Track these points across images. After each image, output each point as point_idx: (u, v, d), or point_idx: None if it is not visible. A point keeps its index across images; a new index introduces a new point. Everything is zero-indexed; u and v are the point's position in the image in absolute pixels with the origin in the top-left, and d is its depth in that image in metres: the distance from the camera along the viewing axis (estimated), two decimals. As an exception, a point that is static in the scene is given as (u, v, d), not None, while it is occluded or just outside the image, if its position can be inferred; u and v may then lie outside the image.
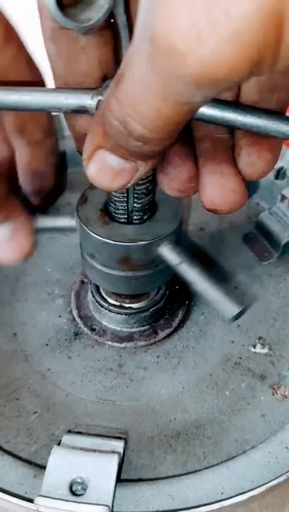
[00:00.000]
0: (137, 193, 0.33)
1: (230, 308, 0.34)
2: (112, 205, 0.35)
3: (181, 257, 0.36)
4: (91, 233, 0.36)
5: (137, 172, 0.26)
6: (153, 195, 0.35)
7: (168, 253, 0.36)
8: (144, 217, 0.36)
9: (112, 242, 0.35)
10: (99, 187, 0.27)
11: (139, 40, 0.19)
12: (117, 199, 0.34)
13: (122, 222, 0.36)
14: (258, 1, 0.15)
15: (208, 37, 0.16)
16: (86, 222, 0.36)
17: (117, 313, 0.45)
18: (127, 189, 0.33)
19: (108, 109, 0.22)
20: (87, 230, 0.36)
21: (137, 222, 0.36)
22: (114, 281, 0.39)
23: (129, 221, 0.36)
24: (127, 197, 0.34)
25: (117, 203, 0.34)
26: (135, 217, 0.36)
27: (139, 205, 0.35)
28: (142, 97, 0.20)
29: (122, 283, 0.39)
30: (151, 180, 0.33)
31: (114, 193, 0.34)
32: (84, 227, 0.36)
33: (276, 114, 0.25)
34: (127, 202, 0.34)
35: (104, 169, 0.25)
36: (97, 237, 0.36)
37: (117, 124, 0.22)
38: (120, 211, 0.35)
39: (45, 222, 0.38)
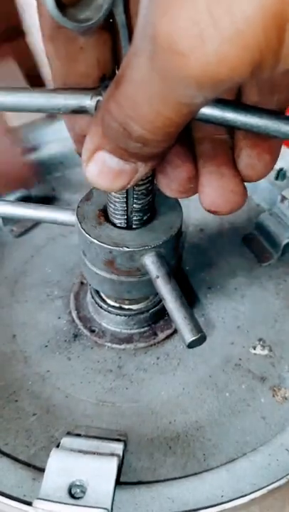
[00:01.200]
0: (136, 194, 0.33)
1: (187, 335, 0.33)
2: (111, 205, 0.35)
3: (160, 271, 0.35)
4: (82, 231, 0.36)
5: (137, 173, 0.25)
6: (153, 197, 0.35)
7: (149, 264, 0.36)
8: (142, 221, 0.36)
9: (98, 242, 0.36)
10: (98, 188, 0.27)
11: (139, 41, 0.19)
12: (116, 200, 0.34)
13: (117, 226, 0.36)
14: (260, 2, 0.15)
15: (210, 37, 0.16)
16: (82, 219, 0.37)
17: (117, 315, 0.45)
18: (127, 190, 0.33)
19: (108, 110, 0.22)
20: (80, 227, 0.37)
21: (135, 226, 0.36)
22: (100, 281, 0.39)
23: (129, 223, 0.36)
24: (127, 198, 0.34)
25: (116, 204, 0.34)
26: (135, 219, 0.36)
27: (139, 206, 0.34)
28: (142, 98, 0.20)
29: (108, 285, 0.39)
30: (151, 181, 0.33)
31: (114, 194, 0.34)
32: (78, 223, 0.37)
33: (276, 113, 0.25)
34: (127, 203, 0.34)
35: (104, 170, 0.25)
36: (86, 235, 0.36)
37: (116, 125, 0.22)
38: (120, 212, 0.35)
39: (47, 214, 0.39)
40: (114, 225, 0.37)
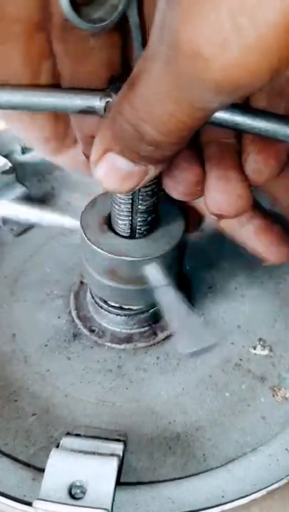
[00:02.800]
0: (142, 195, 0.33)
1: (184, 346, 0.34)
2: (116, 207, 0.35)
3: (160, 282, 0.36)
4: (85, 238, 0.37)
5: (147, 175, 0.25)
6: (157, 198, 0.35)
7: (150, 273, 0.36)
8: (146, 223, 0.36)
9: (101, 251, 0.36)
10: (107, 190, 0.27)
11: (156, 45, 0.19)
12: (122, 201, 0.34)
13: (120, 235, 0.37)
14: (282, 9, 0.16)
15: (232, 43, 0.16)
16: (85, 226, 0.37)
17: (117, 315, 0.44)
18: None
19: (120, 112, 0.22)
20: (83, 234, 0.37)
21: (138, 230, 0.36)
22: (101, 287, 0.40)
23: (132, 226, 0.36)
24: (132, 198, 0.33)
25: (122, 205, 0.34)
26: (139, 220, 0.35)
27: (144, 207, 0.34)
28: (157, 100, 0.20)
29: (109, 291, 0.40)
30: (156, 182, 0.33)
31: (119, 195, 0.34)
32: (81, 230, 0.37)
33: (285, 118, 0.25)
34: (132, 204, 0.34)
35: (113, 172, 0.25)
36: (89, 243, 0.36)
37: (128, 127, 0.22)
38: (124, 213, 0.35)
39: (52, 220, 0.39)
40: (117, 233, 0.37)
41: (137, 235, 0.37)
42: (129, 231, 0.36)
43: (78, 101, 0.26)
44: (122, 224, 0.36)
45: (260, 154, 0.29)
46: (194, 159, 0.30)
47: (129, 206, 0.34)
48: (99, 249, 0.36)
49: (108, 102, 0.26)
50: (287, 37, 0.16)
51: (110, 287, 0.39)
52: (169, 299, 0.36)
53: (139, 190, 0.33)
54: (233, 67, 0.17)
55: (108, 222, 0.38)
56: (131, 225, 0.36)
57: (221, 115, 0.25)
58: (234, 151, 0.30)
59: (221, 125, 0.25)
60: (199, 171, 0.30)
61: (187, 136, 0.22)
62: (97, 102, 0.26)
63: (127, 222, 0.35)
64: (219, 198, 0.29)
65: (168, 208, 0.39)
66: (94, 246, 0.36)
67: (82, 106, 0.26)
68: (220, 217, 0.30)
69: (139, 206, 0.34)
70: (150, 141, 0.22)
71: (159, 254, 0.36)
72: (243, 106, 0.27)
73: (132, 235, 0.37)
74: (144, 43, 0.26)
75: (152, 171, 0.25)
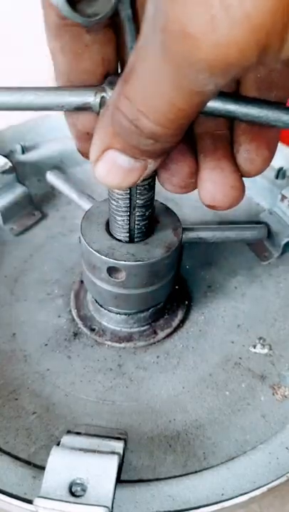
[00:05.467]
0: (140, 189, 0.34)
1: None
2: (114, 203, 0.35)
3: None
4: (87, 246, 0.37)
5: (147, 170, 0.26)
6: (154, 193, 0.35)
7: None
8: (144, 217, 0.36)
9: (105, 258, 0.37)
10: (107, 186, 0.27)
11: (149, 32, 0.19)
12: (120, 197, 0.34)
13: (120, 240, 0.38)
14: None
15: (221, 21, 0.17)
16: (86, 235, 0.38)
17: (117, 313, 0.45)
18: None
19: (118, 108, 0.22)
20: (85, 242, 0.38)
21: (136, 228, 0.37)
22: (101, 293, 0.41)
23: (130, 224, 0.36)
24: (130, 193, 0.34)
25: (120, 201, 0.34)
26: (138, 215, 0.36)
27: (142, 201, 0.35)
28: (154, 90, 0.20)
29: (108, 296, 0.41)
30: (153, 176, 0.33)
31: (117, 191, 0.34)
32: (82, 238, 0.38)
33: (276, 104, 0.25)
34: (130, 199, 0.34)
35: (114, 169, 0.25)
36: (91, 250, 0.37)
37: (127, 123, 0.22)
38: (123, 209, 0.35)
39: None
40: (118, 239, 0.38)
41: (135, 232, 0.37)
42: (127, 227, 0.36)
43: (73, 98, 0.26)
44: (120, 220, 0.36)
45: (252, 144, 0.29)
46: (188, 151, 0.30)
47: (128, 201, 0.34)
48: (97, 254, 0.37)
49: (103, 97, 0.26)
50: (273, 13, 0.16)
51: (108, 292, 0.40)
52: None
53: (137, 184, 0.33)
54: (222, 45, 0.17)
55: (107, 228, 0.39)
56: (129, 220, 0.36)
57: (214, 104, 0.25)
58: (227, 143, 0.30)
59: (214, 114, 0.25)
60: (193, 162, 0.30)
61: (186, 124, 0.22)
62: (92, 98, 0.26)
63: (125, 218, 0.36)
64: (212, 189, 0.30)
65: (165, 212, 0.40)
66: (93, 251, 0.37)
67: (77, 103, 0.26)
68: (213, 208, 0.31)
69: (137, 201, 0.34)
70: (149, 135, 0.22)
71: (157, 259, 0.37)
72: (235, 94, 0.28)
73: (130, 233, 0.37)
74: (137, 36, 0.26)
75: (152, 165, 0.26)
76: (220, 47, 0.17)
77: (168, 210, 0.41)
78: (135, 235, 0.37)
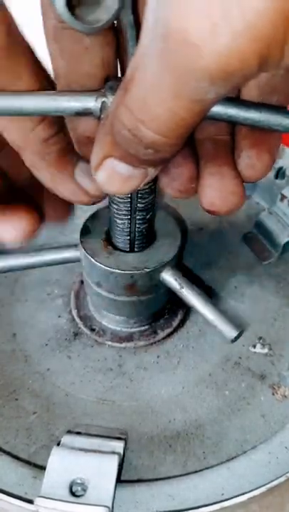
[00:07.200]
0: (140, 193, 0.34)
1: (230, 331, 0.38)
2: (114, 206, 0.35)
3: (181, 282, 0.39)
4: (97, 264, 0.37)
5: (147, 177, 0.26)
6: (155, 195, 0.35)
7: (170, 279, 0.39)
8: (145, 220, 0.36)
9: (119, 271, 0.37)
10: (108, 193, 0.27)
11: (149, 40, 0.19)
12: (121, 200, 0.34)
13: (124, 251, 0.38)
14: None
15: (222, 30, 0.17)
16: (92, 253, 0.38)
17: (117, 314, 0.45)
18: None
19: (117, 118, 0.22)
20: (94, 261, 0.38)
21: (137, 231, 0.37)
22: (119, 306, 0.41)
23: (131, 229, 0.36)
24: (131, 197, 0.34)
25: (120, 205, 0.34)
26: (138, 218, 0.36)
27: (143, 205, 0.35)
28: (154, 98, 0.20)
29: (128, 307, 0.41)
30: (154, 180, 0.33)
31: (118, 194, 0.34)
32: (90, 258, 0.38)
33: (277, 108, 0.25)
34: (131, 202, 0.34)
35: (114, 177, 0.25)
36: (103, 267, 0.37)
37: (126, 132, 0.22)
38: (123, 212, 0.35)
39: (52, 255, 0.41)
40: (123, 251, 0.38)
41: (136, 235, 0.37)
42: (128, 230, 0.36)
43: (73, 103, 0.25)
44: (120, 224, 0.36)
45: (253, 149, 0.29)
46: (189, 156, 0.30)
47: (128, 205, 0.34)
48: (116, 270, 0.37)
49: (104, 102, 0.26)
50: (274, 23, 0.16)
51: (128, 302, 0.40)
52: (195, 297, 0.38)
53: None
54: (223, 54, 0.17)
55: (110, 243, 0.39)
56: (130, 224, 0.36)
57: (215, 108, 0.25)
58: (228, 148, 0.30)
59: (215, 118, 0.25)
60: (194, 167, 0.30)
61: (186, 133, 0.22)
62: (92, 103, 0.26)
63: (126, 221, 0.36)
64: (213, 195, 0.30)
65: (165, 219, 0.40)
66: (110, 268, 0.37)
67: (77, 108, 0.26)
68: (213, 213, 0.31)
69: (138, 204, 0.34)
70: (149, 145, 0.22)
71: (170, 258, 0.38)
72: (236, 98, 0.27)
73: (131, 236, 0.37)
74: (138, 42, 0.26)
75: (152, 172, 0.26)
76: (221, 56, 0.17)
77: (168, 216, 0.41)
78: (136, 239, 0.37)
